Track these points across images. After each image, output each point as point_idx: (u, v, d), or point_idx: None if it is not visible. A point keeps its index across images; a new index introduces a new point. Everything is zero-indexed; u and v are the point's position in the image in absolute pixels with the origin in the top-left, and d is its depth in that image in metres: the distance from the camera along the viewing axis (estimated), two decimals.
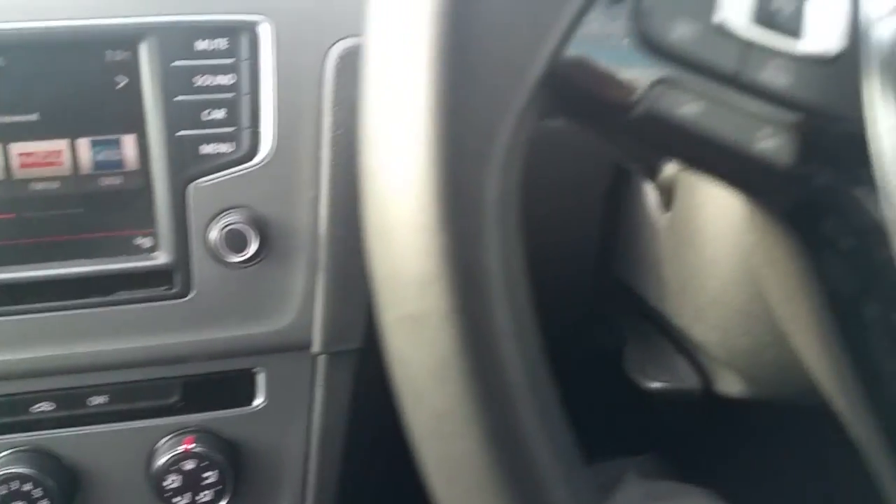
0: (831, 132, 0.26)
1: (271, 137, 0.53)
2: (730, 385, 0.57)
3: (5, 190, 0.52)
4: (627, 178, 0.62)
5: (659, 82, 0.25)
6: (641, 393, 0.64)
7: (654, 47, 0.25)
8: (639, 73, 0.25)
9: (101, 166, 0.53)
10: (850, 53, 0.26)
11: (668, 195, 0.54)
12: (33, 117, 0.52)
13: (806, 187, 0.27)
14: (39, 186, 0.53)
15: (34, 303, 0.53)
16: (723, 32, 0.25)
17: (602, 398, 0.74)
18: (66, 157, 0.52)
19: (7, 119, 0.51)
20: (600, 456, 0.63)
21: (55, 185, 0.53)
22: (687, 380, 0.61)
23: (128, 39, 0.52)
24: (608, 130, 0.28)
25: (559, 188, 0.65)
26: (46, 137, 0.52)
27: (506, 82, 0.23)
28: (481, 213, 0.23)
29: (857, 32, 0.26)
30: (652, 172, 0.54)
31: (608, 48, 0.25)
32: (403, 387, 0.25)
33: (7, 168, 0.52)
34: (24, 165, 0.52)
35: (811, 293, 0.31)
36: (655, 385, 0.63)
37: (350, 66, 0.52)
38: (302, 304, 0.57)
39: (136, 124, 0.53)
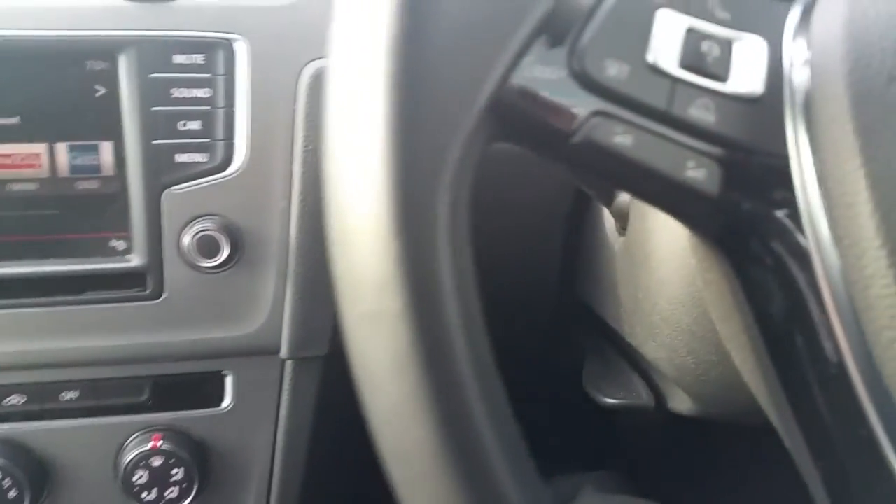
0: (755, 164, 0.28)
1: (245, 149, 0.55)
2: (680, 402, 0.59)
3: None
4: (587, 202, 0.65)
5: (595, 114, 0.27)
6: (599, 409, 0.66)
7: (589, 83, 0.27)
8: (576, 105, 0.27)
9: (78, 170, 0.55)
10: (771, 95, 0.28)
11: (622, 220, 0.56)
12: (14, 121, 0.54)
13: (733, 213, 0.29)
14: (17, 187, 0.54)
15: (9, 298, 0.55)
16: (654, 72, 0.27)
17: (561, 413, 0.76)
18: (44, 161, 0.54)
19: None
20: (558, 470, 0.65)
21: (33, 186, 0.55)
22: (641, 397, 0.63)
23: (108, 51, 0.54)
24: (551, 156, 0.30)
25: (523, 209, 0.67)
26: (26, 140, 0.54)
27: (454, 108, 0.25)
28: (433, 222, 0.25)
29: (777, 77, 0.28)
30: (608, 198, 0.56)
31: (548, 81, 0.27)
32: (363, 379, 0.27)
33: None
34: (2, 166, 0.54)
35: (744, 314, 0.33)
36: (611, 401, 0.65)
37: (321, 85, 0.54)
38: (271, 310, 0.59)
39: (113, 131, 0.54)
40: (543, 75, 0.27)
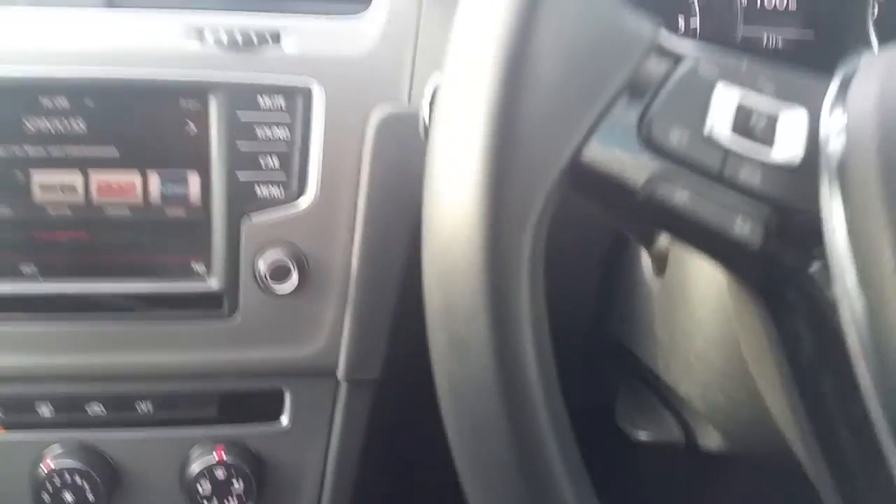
0: (795, 222, 0.33)
1: (316, 185, 0.61)
2: (710, 440, 0.62)
3: (83, 212, 0.60)
4: (625, 244, 0.69)
5: (658, 175, 0.32)
6: (630, 445, 0.69)
7: (655, 147, 0.32)
8: (643, 167, 0.32)
9: (167, 198, 0.61)
10: (810, 160, 0.32)
11: (661, 262, 0.60)
12: (113, 151, 0.59)
13: (772, 265, 0.34)
14: (112, 212, 0.60)
15: (98, 313, 0.61)
16: (710, 140, 0.32)
17: (592, 449, 0.79)
18: (138, 188, 0.60)
19: (91, 151, 0.59)
20: None
21: (126, 211, 0.60)
22: (673, 433, 0.67)
23: (201, 91, 0.60)
24: (618, 211, 0.35)
25: (561, 250, 0.71)
26: (123, 169, 0.60)
27: (540, 168, 0.31)
28: (517, 265, 0.30)
29: (815, 144, 0.32)
30: (648, 241, 0.61)
31: (620, 145, 0.32)
32: (448, 398, 0.32)
33: (87, 193, 0.59)
34: (101, 192, 0.60)
35: (776, 357, 0.37)
36: (644, 437, 0.68)
37: (387, 127, 0.60)
38: (330, 333, 0.63)
39: (201, 164, 0.60)
40: (617, 140, 0.32)
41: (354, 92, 0.62)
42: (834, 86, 0.33)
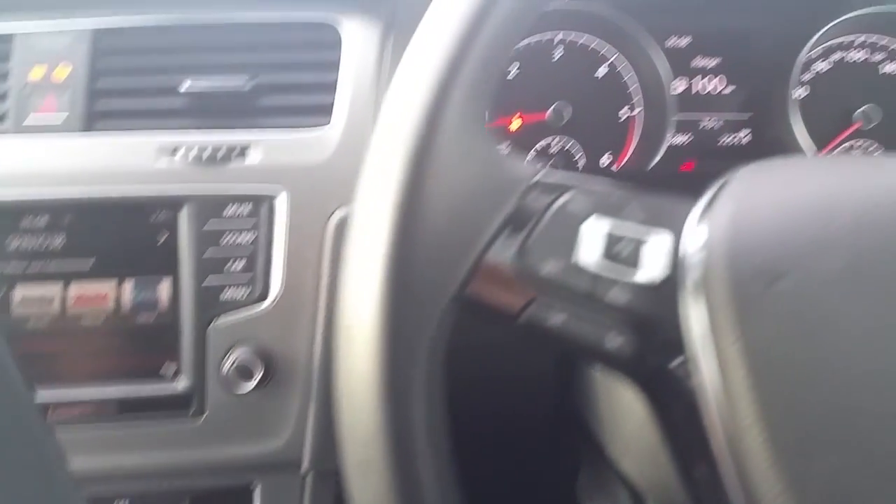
0: (661, 330, 0.36)
1: (279, 286, 0.64)
2: None
3: (58, 323, 0.63)
4: None
5: (535, 301, 0.37)
6: None
7: (531, 276, 0.37)
8: (521, 295, 0.37)
9: (138, 306, 0.64)
10: (673, 279, 0.36)
11: None
12: (90, 265, 0.63)
13: (645, 367, 0.38)
14: (86, 321, 0.64)
15: (72, 419, 0.63)
16: (580, 267, 0.37)
17: None
18: (111, 298, 0.64)
19: (69, 265, 0.63)
20: None
21: (99, 320, 0.64)
22: None
23: (172, 204, 0.64)
24: (503, 331, 0.39)
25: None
26: (98, 281, 0.63)
27: (429, 302, 0.35)
28: (410, 390, 0.34)
29: (677, 265, 0.36)
30: None
31: (501, 275, 0.37)
32: None
33: (63, 305, 0.63)
34: (76, 303, 0.63)
35: (665, 445, 0.41)
36: None
37: (346, 228, 0.64)
38: (295, 427, 0.66)
39: (171, 272, 0.64)
40: (497, 271, 0.37)
41: (316, 196, 0.66)
42: (698, 207, 0.37)
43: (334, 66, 0.70)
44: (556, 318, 0.36)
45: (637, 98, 0.83)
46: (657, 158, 0.78)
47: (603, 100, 0.83)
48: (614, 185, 0.41)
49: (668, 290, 0.36)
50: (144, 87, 0.68)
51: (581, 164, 0.83)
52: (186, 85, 0.67)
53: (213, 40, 0.70)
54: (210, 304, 0.64)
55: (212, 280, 0.64)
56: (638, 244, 0.37)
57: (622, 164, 0.83)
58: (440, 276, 0.36)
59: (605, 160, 0.84)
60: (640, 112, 0.83)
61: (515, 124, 0.83)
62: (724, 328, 0.33)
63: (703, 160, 0.84)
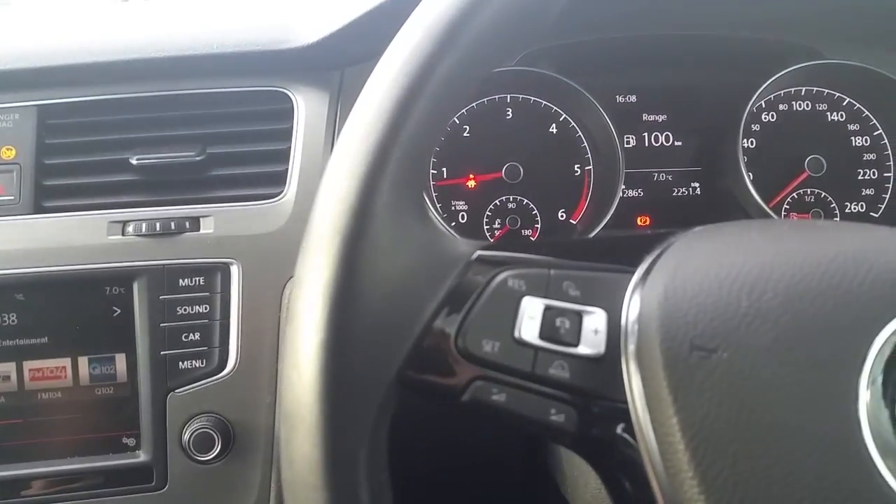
0: (602, 406, 0.37)
1: (236, 355, 0.65)
2: None
3: (16, 399, 0.64)
4: None
5: (476, 380, 0.37)
6: None
7: (471, 356, 0.37)
8: (462, 374, 0.37)
9: (96, 379, 0.65)
10: (611, 353, 0.37)
11: None
12: (44, 340, 0.64)
13: (591, 439, 0.38)
14: (44, 396, 0.64)
15: (34, 495, 0.64)
16: (520, 344, 0.37)
17: None
18: (68, 372, 0.64)
19: (23, 342, 0.64)
20: None
21: (57, 394, 0.64)
22: None
23: (125, 278, 0.65)
24: (448, 410, 0.40)
25: None
26: (53, 356, 0.64)
27: (370, 385, 0.36)
28: (354, 475, 0.35)
29: (615, 339, 0.37)
30: None
31: (441, 357, 0.38)
32: None
33: (19, 382, 0.63)
34: (32, 379, 0.64)
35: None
36: None
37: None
38: (259, 495, 0.66)
39: (127, 345, 0.65)
40: (437, 352, 0.37)
41: (269, 266, 0.67)
42: (633, 280, 0.39)
43: (287, 134, 0.72)
44: (500, 396, 0.37)
45: (589, 154, 0.85)
46: (611, 212, 0.79)
47: (556, 156, 0.85)
48: (557, 255, 0.42)
49: (607, 363, 0.37)
50: (94, 163, 0.70)
51: (538, 219, 0.85)
52: (137, 159, 0.69)
53: (164, 113, 0.72)
54: (167, 376, 0.65)
55: (168, 352, 0.65)
56: (576, 319, 0.38)
57: (578, 218, 0.85)
58: (379, 359, 0.36)
59: (561, 215, 0.85)
60: (592, 168, 0.85)
61: (472, 183, 0.85)
62: (661, 402, 0.34)
63: (658, 212, 0.86)
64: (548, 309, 0.38)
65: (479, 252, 0.41)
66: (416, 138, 0.37)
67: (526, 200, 0.85)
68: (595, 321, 0.38)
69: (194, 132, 0.71)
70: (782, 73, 0.80)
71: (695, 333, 0.34)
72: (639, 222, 0.86)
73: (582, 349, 0.37)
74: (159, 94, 0.72)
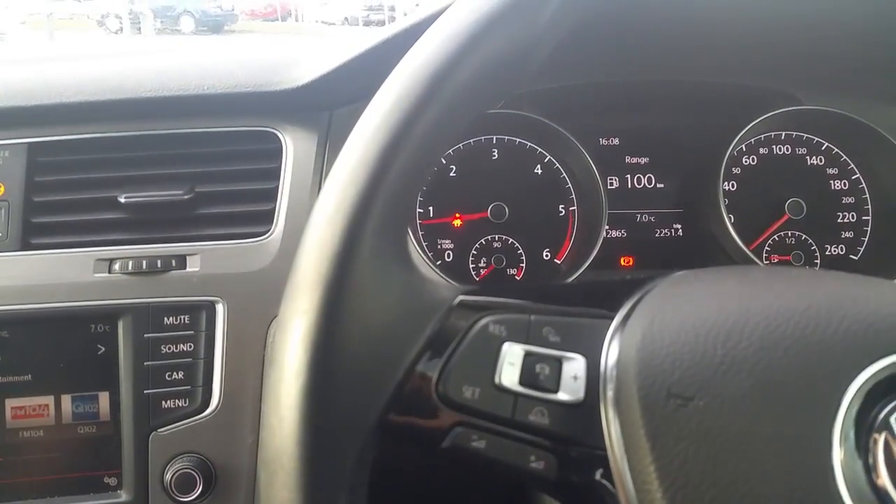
0: (581, 452, 0.38)
1: (219, 394, 0.65)
2: None
3: None
4: None
5: (456, 427, 0.38)
6: None
7: (452, 402, 0.38)
8: (443, 420, 0.38)
9: (79, 417, 0.65)
10: (591, 399, 0.37)
11: None
12: (27, 377, 0.64)
13: (571, 485, 0.39)
14: (27, 434, 0.64)
15: None
16: (500, 390, 0.38)
17: None
18: (51, 411, 0.64)
19: (6, 379, 0.64)
20: None
21: (40, 433, 0.64)
22: None
23: (110, 316, 0.65)
24: (428, 457, 0.40)
25: None
26: (36, 394, 0.64)
27: (350, 431, 0.36)
28: None
29: (594, 386, 0.38)
30: None
31: (422, 403, 0.38)
32: None
33: (1, 419, 0.63)
34: (15, 417, 0.64)
35: None
36: None
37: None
38: None
39: (111, 383, 0.65)
40: (418, 398, 0.38)
41: (255, 305, 0.67)
42: (612, 326, 0.39)
43: (275, 174, 0.73)
44: (479, 443, 0.37)
45: (573, 195, 0.86)
46: (594, 252, 0.80)
47: (541, 197, 0.86)
48: (538, 300, 0.42)
49: (587, 409, 0.37)
50: (82, 201, 0.71)
51: (523, 258, 0.86)
52: (125, 197, 0.69)
53: (153, 152, 0.73)
54: (150, 415, 0.65)
55: (152, 390, 0.65)
56: (556, 365, 0.38)
57: (563, 258, 0.86)
58: (360, 406, 0.37)
59: (546, 254, 0.86)
60: (576, 209, 0.86)
61: (458, 222, 0.86)
62: (639, 449, 0.34)
63: (641, 253, 0.87)
64: (528, 355, 0.38)
65: (462, 297, 0.41)
66: (399, 186, 0.38)
67: (511, 240, 0.86)
68: (575, 367, 0.38)
69: (183, 171, 0.72)
70: (761, 118, 0.82)
71: (672, 381, 0.35)
72: (622, 262, 0.87)
73: (561, 395, 0.38)
74: (149, 133, 0.73)
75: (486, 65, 0.40)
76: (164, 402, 0.65)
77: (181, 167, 0.72)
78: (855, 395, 0.33)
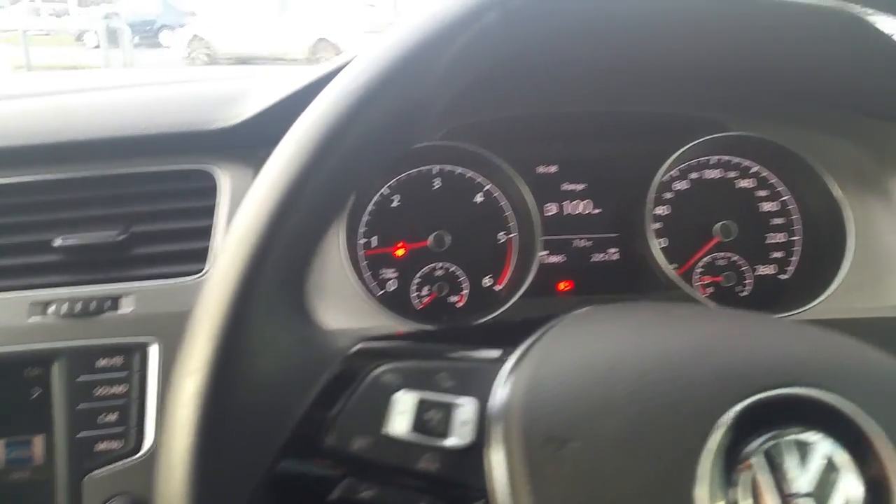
0: (471, 494, 0.38)
1: (153, 434, 0.66)
2: None
3: None
4: None
5: (346, 476, 0.39)
6: None
7: (341, 452, 0.39)
8: (332, 470, 0.39)
9: (12, 462, 0.65)
10: (480, 443, 0.38)
11: None
12: None
13: None
14: None
15: None
16: (391, 439, 0.39)
17: None
18: None
19: None
20: None
21: None
22: None
23: (44, 360, 0.66)
24: None
25: None
26: None
27: (237, 485, 0.37)
28: None
29: (483, 429, 0.39)
30: None
31: (310, 454, 0.39)
32: None
33: None
34: None
35: None
36: None
37: None
38: None
39: (45, 427, 0.65)
40: (307, 449, 0.39)
41: None
42: (504, 370, 0.40)
43: (209, 212, 0.74)
44: (368, 493, 0.38)
45: (512, 222, 0.88)
46: (530, 278, 0.82)
47: (482, 224, 0.88)
48: (441, 342, 0.43)
49: (476, 453, 0.38)
50: (16, 245, 0.71)
51: (465, 285, 0.87)
52: (59, 241, 0.70)
53: (87, 194, 0.74)
54: (84, 458, 0.65)
55: (85, 433, 0.65)
56: (447, 412, 0.39)
57: (503, 283, 0.87)
58: (249, 460, 0.37)
59: (486, 281, 0.88)
60: (516, 235, 0.88)
61: (401, 251, 0.87)
62: (520, 492, 0.35)
63: (579, 278, 0.89)
64: (421, 402, 0.39)
65: (361, 345, 0.42)
66: (293, 244, 0.39)
67: (453, 268, 0.87)
68: (466, 412, 0.39)
69: (117, 211, 0.73)
70: (689, 145, 0.84)
71: (552, 424, 0.36)
72: (561, 287, 0.89)
73: (451, 441, 0.39)
74: (83, 175, 0.74)
75: (379, 123, 0.41)
76: (97, 445, 0.65)
77: (116, 208, 0.73)
78: (720, 433, 0.34)
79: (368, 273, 0.86)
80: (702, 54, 0.74)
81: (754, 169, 0.89)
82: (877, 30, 0.64)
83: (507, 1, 0.39)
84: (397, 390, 0.40)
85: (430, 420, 0.39)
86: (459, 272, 0.87)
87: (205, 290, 0.39)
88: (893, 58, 0.68)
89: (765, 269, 0.88)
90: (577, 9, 0.40)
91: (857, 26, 0.63)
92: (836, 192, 0.83)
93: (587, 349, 0.40)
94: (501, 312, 0.80)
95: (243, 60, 10.45)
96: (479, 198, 0.89)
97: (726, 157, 0.90)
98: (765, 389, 0.35)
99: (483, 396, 0.40)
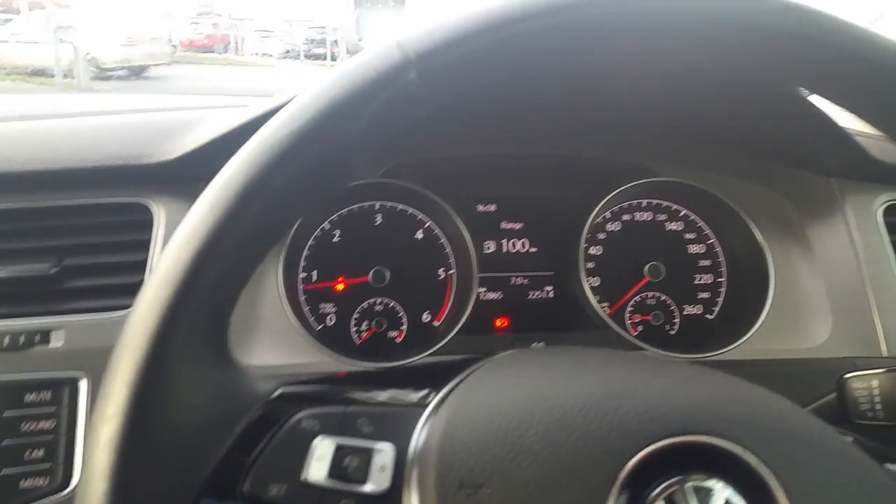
0: None
1: (80, 472, 0.65)
2: None
3: None
4: None
5: None
6: None
7: (256, 501, 0.39)
8: None
9: None
10: (397, 488, 0.39)
11: None
12: None
13: None
14: None
15: None
16: (307, 486, 0.39)
17: None
18: None
19: None
20: None
21: None
22: None
23: None
24: None
25: None
26: None
27: None
28: None
29: (401, 474, 0.40)
30: None
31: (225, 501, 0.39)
32: None
33: None
34: None
35: None
36: None
37: None
38: None
39: None
40: (224, 497, 0.39)
41: None
42: (423, 416, 0.41)
43: (144, 245, 0.73)
44: None
45: (452, 259, 0.90)
46: (466, 314, 0.83)
47: (421, 260, 0.90)
48: (365, 386, 0.44)
49: (393, 499, 0.39)
50: None
51: (404, 321, 0.88)
52: None
53: (20, 225, 0.73)
54: (8, 496, 0.64)
55: (9, 470, 0.64)
56: (366, 457, 0.40)
57: (441, 320, 0.89)
58: (166, 502, 0.37)
59: (425, 317, 0.89)
60: (454, 272, 0.89)
61: (341, 286, 0.88)
62: None
63: (516, 315, 0.91)
64: (339, 448, 0.40)
65: (282, 389, 0.43)
66: (212, 290, 0.39)
67: (393, 303, 0.88)
68: (384, 457, 0.40)
69: (50, 244, 0.72)
70: (619, 189, 0.87)
71: (465, 470, 0.37)
72: (498, 324, 0.91)
73: (368, 486, 0.39)
74: (17, 206, 0.73)
75: (304, 170, 0.41)
76: (21, 482, 0.64)
77: (49, 240, 0.72)
78: (626, 478, 0.35)
79: (307, 308, 0.87)
80: (629, 107, 0.78)
81: (683, 212, 0.93)
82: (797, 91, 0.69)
83: (426, 62, 0.40)
84: (316, 436, 0.40)
85: (348, 466, 0.40)
86: (398, 307, 0.89)
87: (124, 331, 0.38)
88: (815, 115, 0.72)
89: (692, 309, 0.92)
90: (497, 69, 0.41)
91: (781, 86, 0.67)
92: (759, 237, 0.87)
93: (503, 395, 0.41)
94: (439, 348, 0.81)
95: None
96: (419, 234, 0.90)
97: (657, 201, 0.93)
98: (669, 436, 0.37)
99: (401, 441, 0.41)
